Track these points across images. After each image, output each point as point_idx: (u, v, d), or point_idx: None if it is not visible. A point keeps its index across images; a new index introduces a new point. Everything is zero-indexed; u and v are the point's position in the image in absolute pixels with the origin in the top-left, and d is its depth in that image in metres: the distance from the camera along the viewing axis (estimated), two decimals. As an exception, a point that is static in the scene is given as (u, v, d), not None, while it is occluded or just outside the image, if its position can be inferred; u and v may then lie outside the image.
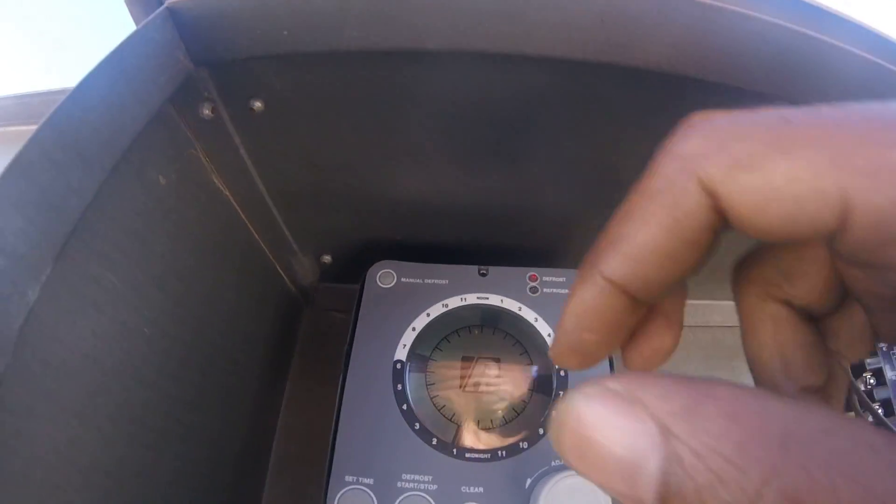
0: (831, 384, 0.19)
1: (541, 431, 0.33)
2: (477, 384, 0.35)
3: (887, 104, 0.13)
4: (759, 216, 0.13)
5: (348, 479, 0.32)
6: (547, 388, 0.35)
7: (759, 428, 0.09)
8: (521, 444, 0.32)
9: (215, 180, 0.35)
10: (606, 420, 0.10)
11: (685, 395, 0.10)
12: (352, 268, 0.40)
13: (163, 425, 0.30)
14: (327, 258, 0.49)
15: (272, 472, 0.46)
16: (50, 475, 0.23)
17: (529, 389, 0.35)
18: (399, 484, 0.31)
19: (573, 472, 0.29)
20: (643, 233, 0.14)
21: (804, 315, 0.19)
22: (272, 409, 0.47)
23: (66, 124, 0.21)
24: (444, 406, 0.34)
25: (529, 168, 0.39)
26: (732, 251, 0.18)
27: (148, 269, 0.28)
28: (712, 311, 0.55)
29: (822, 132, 0.12)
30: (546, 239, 0.43)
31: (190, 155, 0.32)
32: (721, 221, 0.14)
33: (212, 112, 0.31)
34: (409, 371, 0.35)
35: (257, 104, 0.32)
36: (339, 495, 0.31)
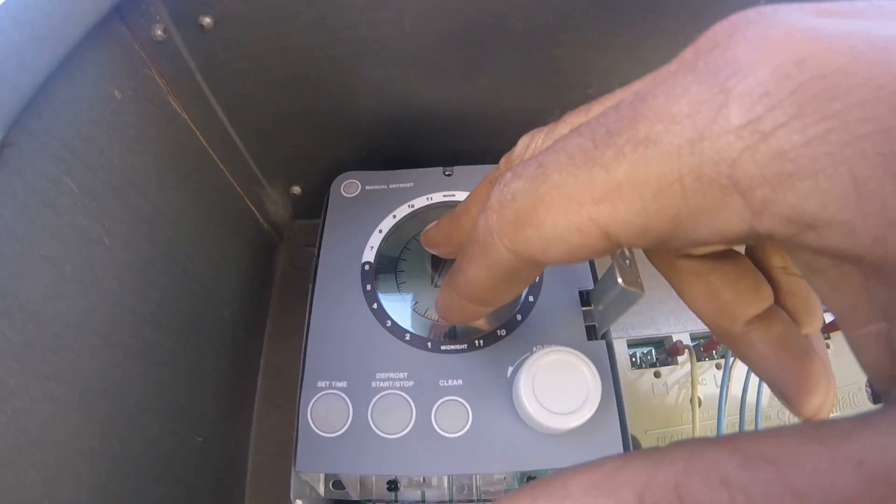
0: (792, 300, 0.20)
1: (518, 317, 0.31)
2: (449, 278, 0.33)
3: (614, 109, 0.14)
4: (547, 256, 0.16)
5: (321, 384, 0.30)
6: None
7: None
8: (498, 331, 0.31)
9: (172, 102, 0.34)
10: None
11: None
12: (322, 200, 0.39)
13: (128, 342, 0.29)
14: (297, 189, 0.47)
15: (259, 408, 0.44)
16: (3, 377, 0.21)
17: (505, 279, 0.33)
18: (374, 384, 0.30)
19: (556, 348, 0.27)
20: (472, 270, 0.19)
21: (720, 255, 0.20)
22: (253, 345, 0.46)
23: (21, 7, 0.21)
24: (416, 303, 0.32)
25: (495, 72, 0.37)
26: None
27: (107, 180, 0.27)
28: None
29: (564, 171, 0.14)
30: (511, 139, 0.41)
31: (145, 75, 0.31)
32: (526, 262, 0.17)
33: (164, 33, 0.30)
34: (379, 272, 0.34)
35: (206, 20, 0.31)
36: (311, 402, 0.30)
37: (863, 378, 0.43)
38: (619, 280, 0.24)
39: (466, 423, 0.28)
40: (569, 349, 0.27)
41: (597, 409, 0.27)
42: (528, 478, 0.31)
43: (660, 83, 0.13)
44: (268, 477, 0.42)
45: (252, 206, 0.45)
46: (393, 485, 0.33)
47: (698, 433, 0.38)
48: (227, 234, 0.42)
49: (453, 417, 0.29)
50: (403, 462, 0.28)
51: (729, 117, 0.11)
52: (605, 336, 0.31)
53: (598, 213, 0.14)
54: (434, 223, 0.30)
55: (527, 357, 0.30)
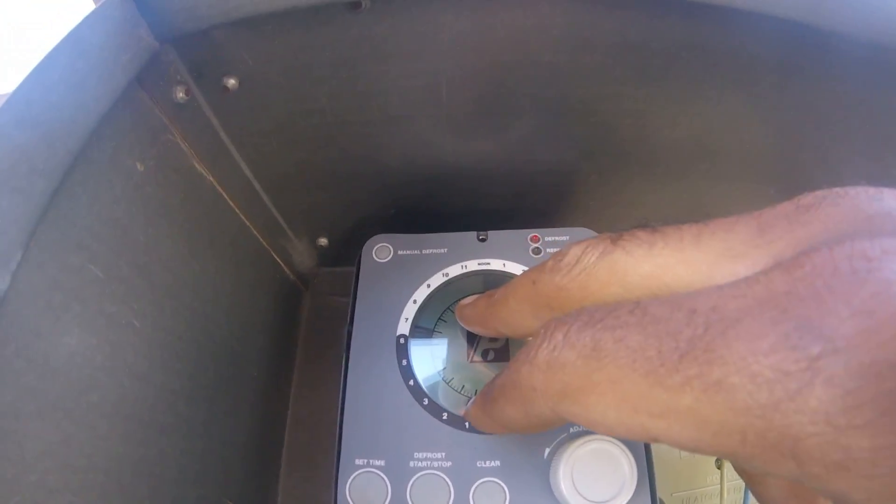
0: None
1: (555, 397, 0.32)
2: (485, 353, 0.34)
3: (687, 322, 0.14)
4: (592, 428, 0.16)
5: (359, 461, 0.30)
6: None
7: None
8: (535, 411, 0.31)
9: (196, 165, 0.34)
10: None
11: None
12: (349, 249, 0.39)
13: (162, 420, 0.29)
14: (323, 241, 0.48)
15: (286, 463, 0.45)
16: (44, 478, 0.21)
17: (540, 355, 0.34)
18: (412, 463, 0.30)
19: (594, 437, 0.28)
20: (510, 410, 0.20)
21: None
22: (280, 399, 0.46)
23: (25, 105, 0.20)
24: (452, 379, 0.33)
25: (521, 128, 0.38)
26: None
27: (131, 259, 0.27)
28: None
29: (622, 371, 0.14)
30: (544, 198, 0.42)
31: (167, 141, 0.31)
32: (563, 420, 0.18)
33: (186, 94, 0.30)
34: (414, 345, 0.34)
35: (231, 82, 0.31)
36: (350, 480, 0.30)
37: None
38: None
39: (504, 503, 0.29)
40: (608, 438, 0.28)
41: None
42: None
43: (739, 322, 0.13)
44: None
45: (278, 258, 0.46)
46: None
47: (726, 496, 0.38)
48: (253, 290, 0.42)
49: (491, 499, 0.29)
50: (443, 544, 0.28)
51: (809, 401, 0.11)
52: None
53: (652, 425, 0.14)
54: (471, 300, 0.30)
55: (564, 438, 0.30)
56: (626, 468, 0.27)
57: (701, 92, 0.34)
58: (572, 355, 0.16)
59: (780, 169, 0.41)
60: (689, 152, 0.39)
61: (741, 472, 0.22)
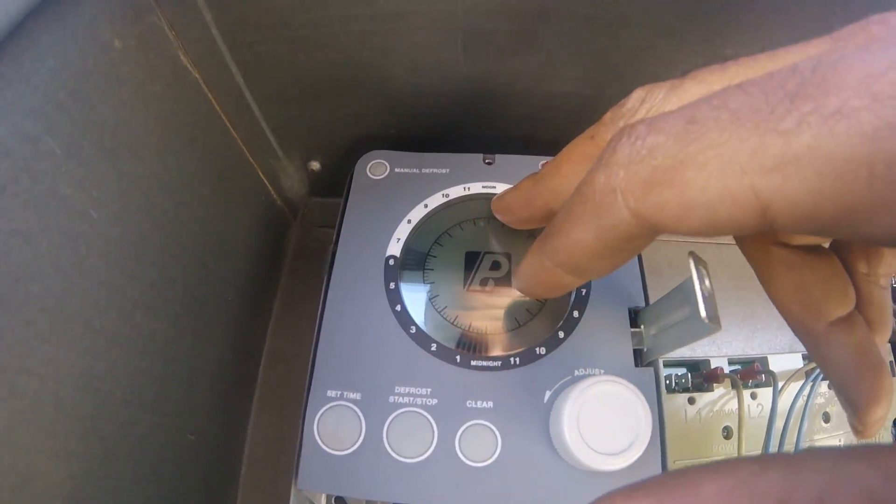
0: (869, 309, 0.20)
1: (560, 335, 0.27)
2: (484, 282, 0.29)
3: (791, 72, 0.12)
4: (681, 225, 0.14)
5: (331, 393, 0.27)
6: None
7: None
8: (537, 349, 0.27)
9: (182, 57, 0.30)
10: None
11: None
12: (343, 177, 0.35)
13: (115, 330, 0.25)
14: (315, 164, 0.43)
15: (258, 400, 0.41)
16: None
17: (547, 289, 0.29)
18: (392, 399, 0.26)
19: (604, 378, 0.24)
20: (576, 232, 0.17)
21: (812, 249, 0.19)
22: (257, 330, 0.42)
23: None
24: (445, 308, 0.29)
25: (549, 50, 0.33)
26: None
27: (97, 140, 0.23)
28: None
29: (727, 131, 0.13)
30: (560, 125, 0.37)
31: (152, 23, 0.27)
32: (648, 229, 0.15)
33: None
34: (405, 268, 0.30)
35: None
36: (319, 413, 0.26)
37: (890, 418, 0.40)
38: (703, 313, 0.20)
39: (495, 451, 0.25)
40: (622, 381, 0.24)
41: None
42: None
43: (850, 56, 0.12)
44: (263, 479, 0.39)
45: (265, 179, 0.42)
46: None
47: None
48: (235, 208, 0.38)
49: (480, 444, 0.25)
50: (420, 491, 0.25)
51: None
52: (654, 363, 0.27)
53: (764, 185, 0.12)
54: (509, 188, 0.27)
55: (568, 381, 0.26)
56: (641, 418, 0.23)
57: (738, 17, 0.30)
58: (661, 138, 0.14)
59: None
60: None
61: (804, 330, 0.20)
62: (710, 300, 0.20)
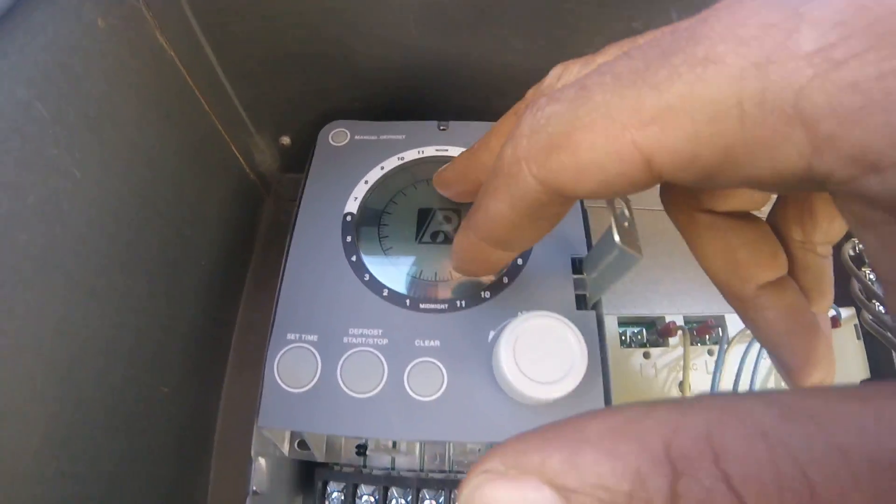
0: (805, 277, 0.20)
1: (505, 280, 0.29)
2: (434, 235, 0.31)
3: (670, 32, 0.13)
4: (579, 186, 0.15)
5: (291, 336, 0.28)
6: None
7: (640, 453, 0.09)
8: (482, 293, 0.29)
9: (159, 37, 0.32)
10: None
11: (562, 448, 0.10)
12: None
13: (93, 283, 0.27)
14: (286, 139, 0.45)
15: (233, 365, 0.43)
16: None
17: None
18: (346, 339, 0.28)
19: (540, 313, 0.26)
20: (493, 205, 0.18)
21: (740, 215, 0.19)
22: (230, 300, 0.44)
23: None
24: (398, 258, 0.30)
25: (502, 24, 0.35)
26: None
27: (81, 109, 0.26)
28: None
29: (608, 92, 0.13)
30: (513, 97, 0.39)
31: (132, 6, 0.29)
32: (554, 195, 0.16)
33: None
34: (362, 224, 0.32)
35: None
36: (279, 355, 0.28)
37: (857, 378, 0.42)
38: (617, 238, 0.22)
39: (441, 386, 0.27)
40: (556, 315, 0.25)
41: (581, 382, 0.25)
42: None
43: (722, 8, 0.12)
44: (236, 436, 0.41)
45: (238, 154, 0.43)
46: (362, 449, 0.31)
47: None
48: (210, 180, 0.40)
49: (427, 380, 0.27)
50: (372, 424, 0.26)
51: (800, 42, 0.11)
52: (596, 307, 0.29)
53: (644, 138, 0.13)
54: (447, 164, 0.28)
55: (509, 321, 0.28)
56: (575, 347, 0.25)
57: None
58: (557, 107, 0.15)
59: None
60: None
61: (732, 294, 0.20)
62: (626, 229, 0.22)
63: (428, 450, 0.31)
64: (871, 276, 0.44)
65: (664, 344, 0.40)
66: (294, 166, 0.48)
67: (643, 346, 0.40)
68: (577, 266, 0.30)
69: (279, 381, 0.27)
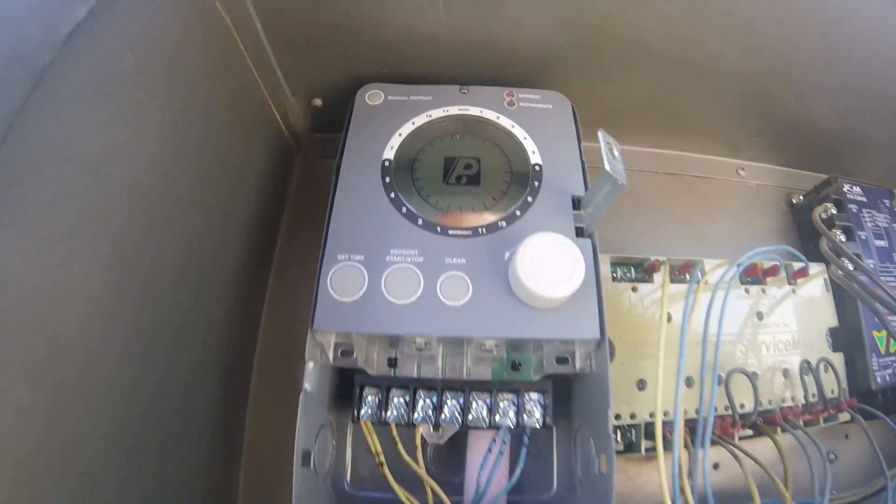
0: None
1: (517, 213, 0.36)
2: (458, 178, 0.37)
3: None
4: None
5: (340, 256, 0.34)
6: (523, 181, 0.38)
7: None
8: (499, 223, 0.35)
9: (218, 6, 0.37)
10: None
11: None
12: (341, 114, 0.42)
13: (169, 211, 0.33)
14: (318, 101, 0.51)
15: (269, 301, 0.48)
16: (47, 223, 0.24)
17: (507, 182, 0.38)
18: (388, 258, 0.34)
19: (548, 233, 0.32)
20: None
21: None
22: (269, 240, 0.50)
23: None
24: (429, 195, 0.37)
25: (520, 5, 0.41)
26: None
27: (158, 63, 0.31)
28: (685, 162, 0.57)
29: None
30: (524, 67, 0.45)
31: None
32: None
33: None
34: (398, 169, 0.38)
35: None
36: (332, 271, 0.34)
37: (825, 326, 0.48)
38: (607, 166, 0.28)
39: (467, 294, 0.33)
40: (558, 234, 0.32)
41: (580, 292, 0.31)
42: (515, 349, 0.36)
43: None
44: (274, 365, 0.47)
45: (276, 113, 0.49)
46: (393, 361, 0.37)
47: (662, 343, 0.42)
48: (252, 136, 0.46)
49: (456, 289, 0.33)
50: (410, 323, 0.33)
51: None
52: (591, 237, 0.35)
53: None
54: None
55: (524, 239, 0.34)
56: (574, 257, 0.31)
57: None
58: None
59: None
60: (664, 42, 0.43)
61: None
62: (614, 161, 0.28)
63: (449, 361, 0.37)
64: (841, 237, 0.51)
65: (650, 280, 0.46)
66: (323, 127, 0.54)
67: (632, 281, 0.46)
68: (576, 204, 0.36)
69: (331, 292, 0.33)
